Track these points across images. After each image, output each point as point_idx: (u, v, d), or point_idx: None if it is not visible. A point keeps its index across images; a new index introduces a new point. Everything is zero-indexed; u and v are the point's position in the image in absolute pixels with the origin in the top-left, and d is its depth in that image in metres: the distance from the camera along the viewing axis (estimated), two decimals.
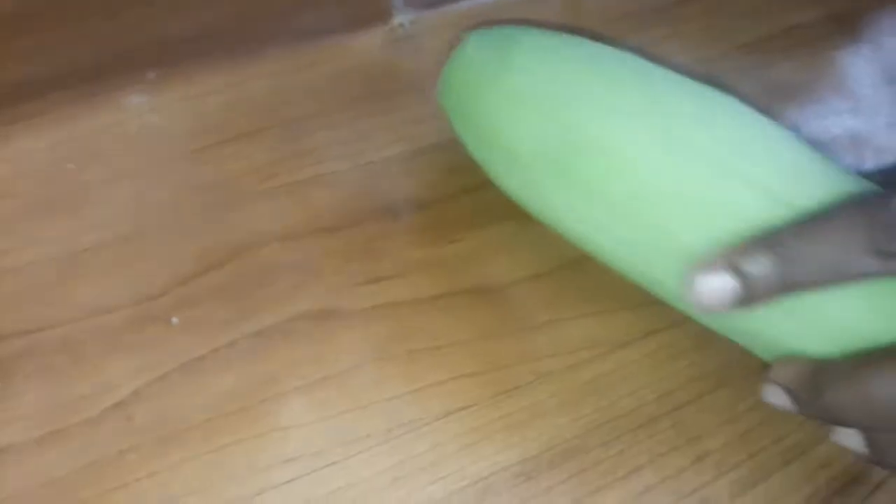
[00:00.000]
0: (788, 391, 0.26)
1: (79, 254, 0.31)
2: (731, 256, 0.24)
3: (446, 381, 0.30)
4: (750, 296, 0.24)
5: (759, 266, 0.24)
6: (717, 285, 0.24)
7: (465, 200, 0.34)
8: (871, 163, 0.37)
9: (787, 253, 0.24)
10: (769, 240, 0.24)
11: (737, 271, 0.24)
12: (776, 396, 0.26)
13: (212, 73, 0.36)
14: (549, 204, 0.29)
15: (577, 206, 0.28)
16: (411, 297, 0.31)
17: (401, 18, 0.38)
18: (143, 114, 0.35)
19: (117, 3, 0.38)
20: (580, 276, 0.33)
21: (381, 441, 0.28)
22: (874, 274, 0.24)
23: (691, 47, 0.39)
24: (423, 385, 0.30)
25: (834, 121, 0.38)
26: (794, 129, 0.37)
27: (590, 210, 0.28)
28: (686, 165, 0.26)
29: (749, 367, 0.30)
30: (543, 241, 0.33)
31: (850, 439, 0.26)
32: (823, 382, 0.25)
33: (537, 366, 0.30)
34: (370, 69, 0.37)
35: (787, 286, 0.24)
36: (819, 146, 0.36)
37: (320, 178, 0.34)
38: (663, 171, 0.26)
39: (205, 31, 0.37)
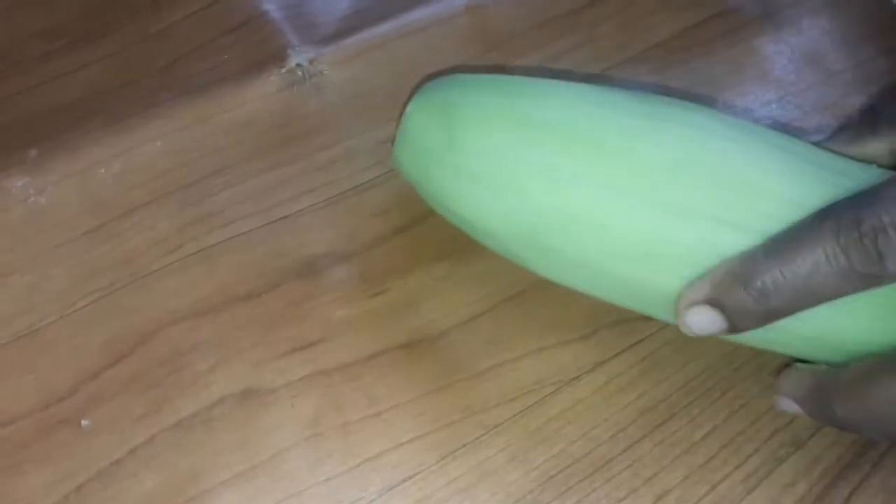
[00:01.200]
0: (799, 404, 0.26)
1: None
2: (710, 291, 0.25)
3: (387, 452, 0.28)
4: (734, 327, 0.25)
5: (738, 301, 0.24)
6: (703, 319, 0.25)
7: (389, 246, 0.32)
8: None
9: (762, 286, 0.24)
10: (744, 271, 0.24)
11: (718, 306, 0.24)
12: (790, 406, 0.27)
13: (97, 142, 0.33)
14: (534, 268, 0.29)
15: (561, 270, 0.28)
16: (341, 361, 0.29)
17: (298, 58, 0.36)
18: (27, 197, 0.32)
19: None
20: (519, 311, 0.31)
21: None
22: (853, 292, 0.23)
23: (606, 52, 0.38)
24: (363, 459, 0.27)
25: (762, 111, 0.37)
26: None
27: (575, 271, 0.27)
28: (655, 215, 0.25)
29: (699, 391, 0.29)
30: (477, 279, 0.31)
31: None
32: (829, 399, 0.25)
33: (484, 418, 0.29)
34: (271, 116, 0.35)
35: (769, 315, 0.24)
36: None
37: (230, 241, 0.32)
38: (635, 228, 0.25)
39: (85, 98, 0.34)
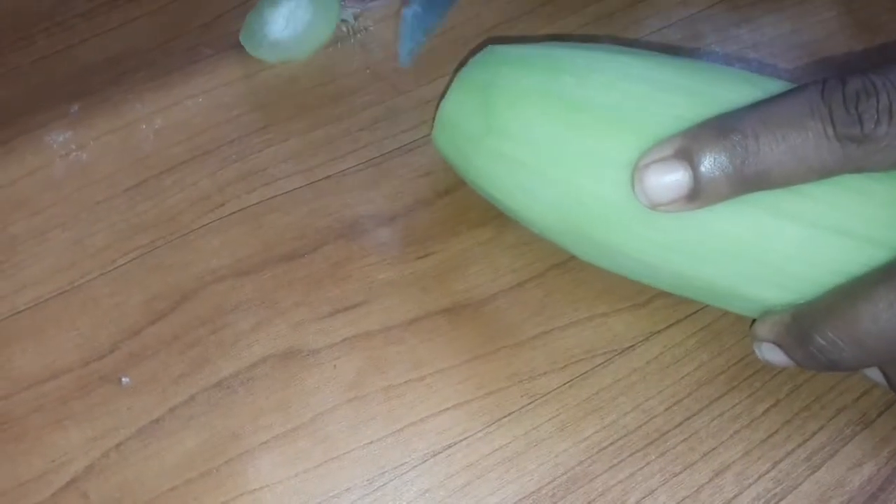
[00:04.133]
0: (779, 346, 0.24)
1: (13, 317, 0.28)
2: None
3: (431, 417, 0.27)
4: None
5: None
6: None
7: (433, 208, 0.31)
8: None
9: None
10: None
11: (689, 161, 0.22)
12: (771, 353, 0.25)
13: (139, 98, 0.32)
14: (578, 255, 0.28)
15: (606, 259, 0.27)
16: (384, 324, 0.28)
17: (343, 14, 0.34)
18: (68, 152, 0.31)
19: (29, 30, 0.34)
20: (568, 278, 0.30)
21: (364, 493, 0.26)
22: (832, 165, 0.22)
23: (667, 9, 0.36)
24: (406, 424, 0.27)
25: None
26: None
27: (621, 261, 0.26)
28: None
29: (760, 364, 0.27)
30: (524, 244, 0.30)
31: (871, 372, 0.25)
32: (809, 327, 0.23)
33: (531, 386, 0.27)
34: (315, 73, 0.34)
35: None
36: None
37: (272, 200, 0.31)
38: (684, 220, 0.24)
39: (127, 54, 0.34)
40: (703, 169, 0.22)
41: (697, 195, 0.22)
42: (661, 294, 0.29)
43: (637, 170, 0.23)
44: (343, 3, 0.35)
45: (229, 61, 0.34)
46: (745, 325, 0.28)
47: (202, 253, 0.30)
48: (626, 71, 0.25)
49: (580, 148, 0.25)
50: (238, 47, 0.34)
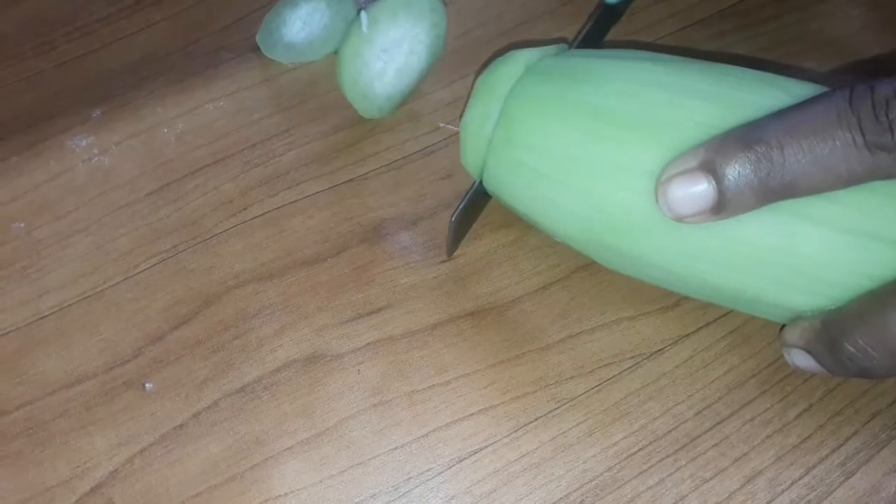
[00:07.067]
0: (808, 352, 0.24)
1: (37, 322, 0.28)
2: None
3: (456, 422, 0.26)
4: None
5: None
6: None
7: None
8: None
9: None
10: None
11: (713, 174, 0.22)
12: (801, 359, 0.24)
13: (160, 102, 0.32)
14: (602, 263, 0.28)
15: (632, 268, 0.27)
16: (407, 328, 0.28)
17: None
18: (91, 157, 0.31)
19: (51, 35, 0.34)
20: (593, 280, 0.29)
21: (389, 499, 0.25)
22: (861, 174, 0.21)
23: (688, 8, 0.35)
24: (431, 429, 0.26)
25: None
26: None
27: (646, 270, 0.26)
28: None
29: (792, 367, 0.27)
30: (548, 246, 0.30)
31: None
32: (839, 334, 0.23)
33: (557, 391, 0.27)
34: (335, 75, 0.33)
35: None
36: None
37: (295, 204, 0.31)
38: (711, 229, 0.23)
39: (148, 58, 0.34)
40: (727, 181, 0.22)
41: (723, 207, 0.22)
42: (689, 297, 0.28)
43: (661, 182, 0.23)
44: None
45: (250, 65, 0.34)
46: (775, 328, 0.27)
47: (225, 257, 0.30)
48: (646, 77, 0.25)
49: (601, 157, 0.24)
50: (258, 51, 0.34)
